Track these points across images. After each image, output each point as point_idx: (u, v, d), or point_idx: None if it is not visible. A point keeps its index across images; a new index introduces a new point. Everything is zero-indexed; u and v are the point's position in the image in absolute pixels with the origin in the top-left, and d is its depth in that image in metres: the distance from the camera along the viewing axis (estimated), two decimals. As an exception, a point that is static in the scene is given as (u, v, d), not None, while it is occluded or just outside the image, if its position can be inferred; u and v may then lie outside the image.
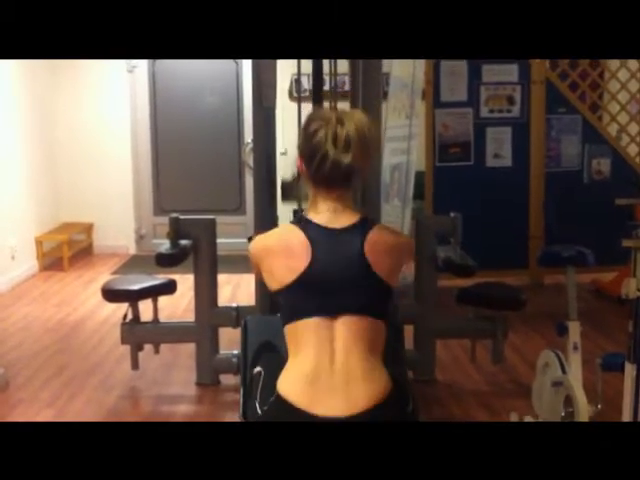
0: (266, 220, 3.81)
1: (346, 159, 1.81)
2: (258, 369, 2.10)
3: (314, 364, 1.82)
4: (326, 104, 3.92)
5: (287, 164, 6.15)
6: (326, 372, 1.81)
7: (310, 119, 1.91)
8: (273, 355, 2.15)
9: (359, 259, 1.86)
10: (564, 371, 3.00)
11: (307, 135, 1.88)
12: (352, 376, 1.81)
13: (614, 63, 6.02)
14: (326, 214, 1.91)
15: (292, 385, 1.83)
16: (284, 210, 4.30)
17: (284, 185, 3.80)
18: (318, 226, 1.89)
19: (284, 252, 1.88)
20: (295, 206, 4.41)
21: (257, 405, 1.95)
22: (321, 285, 1.85)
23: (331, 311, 1.84)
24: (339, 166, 1.83)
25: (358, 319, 1.85)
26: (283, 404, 1.82)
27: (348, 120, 1.83)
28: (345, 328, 1.83)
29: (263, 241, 1.96)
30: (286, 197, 3.81)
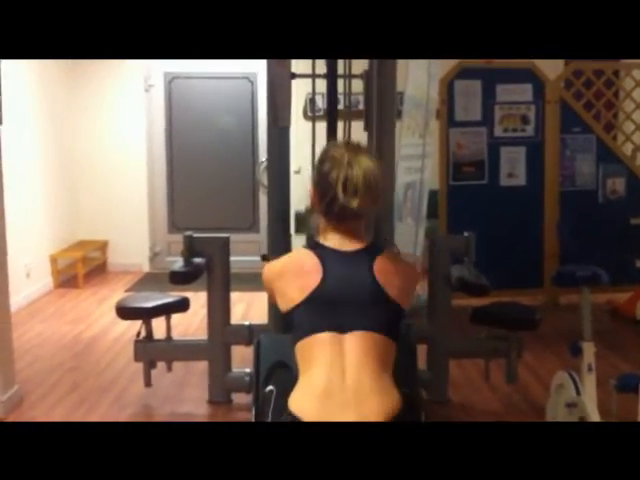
0: (279, 238, 3.82)
1: (354, 203, 1.92)
2: (270, 388, 2.11)
3: (325, 380, 1.84)
4: (340, 123, 3.93)
5: (300, 183, 6.18)
6: (337, 388, 1.83)
7: (324, 158, 2.01)
8: (285, 373, 2.16)
9: (369, 279, 1.94)
10: (578, 392, 2.98)
11: (321, 174, 1.99)
12: (363, 392, 1.83)
13: (629, 83, 6.01)
14: (336, 240, 2.00)
15: (304, 402, 1.85)
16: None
17: (298, 218, 3.84)
18: (329, 248, 1.98)
19: (296, 273, 1.96)
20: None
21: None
22: (332, 302, 1.91)
23: (341, 328, 1.89)
24: (347, 210, 1.94)
25: (369, 335, 1.89)
26: (295, 420, 1.82)
27: (356, 165, 1.93)
28: (356, 344, 1.87)
29: (276, 265, 2.04)
30: (299, 229, 3.85)
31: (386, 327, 1.93)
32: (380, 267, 1.96)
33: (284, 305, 1.97)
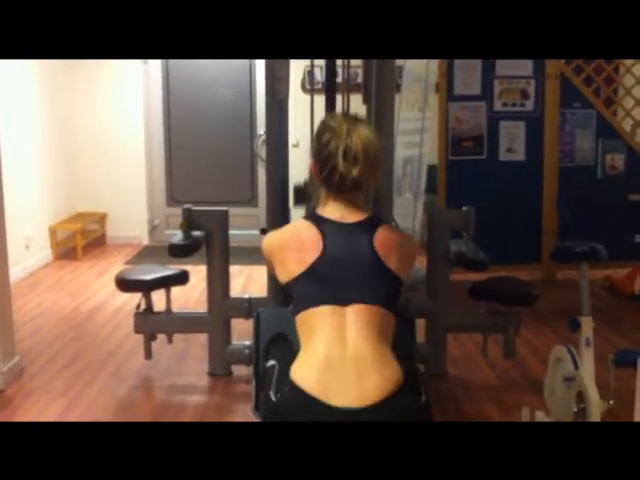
0: (278, 212, 3.83)
1: (354, 172, 1.96)
2: (272, 362, 2.11)
3: (326, 353, 1.85)
4: (339, 97, 3.91)
5: (299, 156, 6.17)
6: (338, 360, 1.84)
7: (323, 129, 2.04)
8: (285, 347, 2.16)
9: (369, 251, 1.96)
10: (576, 367, 3.00)
11: (320, 145, 2.01)
12: (364, 364, 1.84)
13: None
14: (336, 211, 2.02)
15: (305, 373, 1.86)
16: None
17: (297, 190, 3.84)
18: (329, 220, 2.00)
19: (296, 245, 1.97)
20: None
21: (271, 394, 1.96)
22: (331, 275, 1.93)
23: (341, 300, 1.90)
24: (347, 176, 1.96)
25: (369, 308, 1.90)
26: (297, 392, 1.84)
27: (355, 135, 1.97)
28: (356, 316, 1.89)
29: (276, 236, 2.07)
30: (299, 201, 3.84)
31: (385, 299, 1.95)
32: (380, 239, 1.98)
33: (283, 277, 1.99)
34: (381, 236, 1.99)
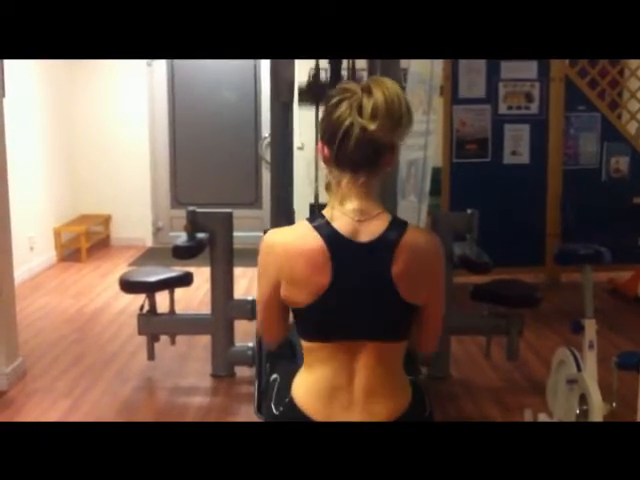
0: (282, 214, 3.83)
1: (372, 126, 1.59)
2: (274, 376, 2.01)
3: (331, 384, 1.73)
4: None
5: (303, 159, 6.17)
6: (344, 391, 1.73)
7: (333, 92, 1.69)
8: (289, 364, 2.10)
9: (386, 284, 1.67)
10: (579, 369, 3.00)
11: (329, 109, 1.66)
12: (372, 394, 1.72)
13: (634, 61, 5.97)
14: (349, 219, 1.68)
15: (307, 396, 1.76)
16: (300, 204, 4.31)
17: (301, 89, 3.81)
18: (340, 236, 1.67)
19: (304, 257, 1.67)
20: (312, 193, 4.40)
21: (272, 406, 1.88)
22: (342, 309, 1.69)
23: (352, 336, 1.71)
24: (364, 137, 1.61)
25: (381, 345, 1.72)
26: (298, 413, 1.76)
27: (376, 88, 1.61)
28: (366, 353, 1.71)
29: (281, 239, 1.72)
30: (302, 100, 3.81)
31: (400, 332, 1.75)
32: (400, 263, 1.66)
33: (286, 297, 1.73)
34: (402, 258, 1.66)
